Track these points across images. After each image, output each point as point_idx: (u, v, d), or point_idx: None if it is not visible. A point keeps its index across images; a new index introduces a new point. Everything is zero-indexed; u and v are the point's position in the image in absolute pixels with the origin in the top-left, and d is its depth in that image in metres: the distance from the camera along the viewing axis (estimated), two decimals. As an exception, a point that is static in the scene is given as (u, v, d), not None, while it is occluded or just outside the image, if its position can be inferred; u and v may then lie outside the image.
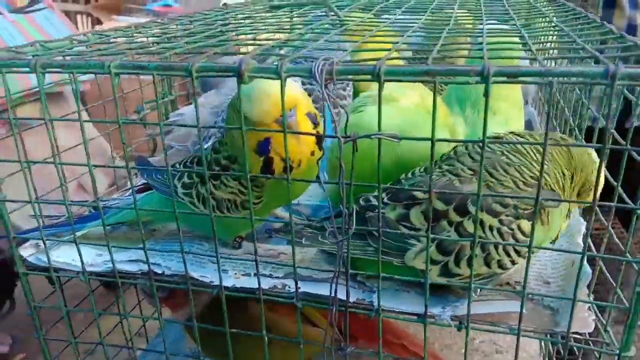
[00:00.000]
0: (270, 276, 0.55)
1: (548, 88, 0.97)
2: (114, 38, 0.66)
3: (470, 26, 1.07)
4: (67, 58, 0.58)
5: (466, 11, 1.06)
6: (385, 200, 0.56)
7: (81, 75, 1.58)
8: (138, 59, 0.48)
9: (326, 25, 0.69)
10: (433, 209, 0.52)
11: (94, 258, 0.59)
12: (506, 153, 0.53)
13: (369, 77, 0.42)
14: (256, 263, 0.49)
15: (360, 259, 0.55)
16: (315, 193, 0.78)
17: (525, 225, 0.50)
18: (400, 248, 0.53)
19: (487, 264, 0.51)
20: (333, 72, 0.43)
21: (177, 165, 0.64)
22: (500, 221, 0.50)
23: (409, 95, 0.66)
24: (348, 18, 0.79)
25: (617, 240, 0.53)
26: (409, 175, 0.58)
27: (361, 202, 0.58)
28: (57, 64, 0.49)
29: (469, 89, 0.71)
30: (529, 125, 1.03)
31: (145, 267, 0.54)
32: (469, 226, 0.50)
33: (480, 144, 0.42)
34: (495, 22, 0.75)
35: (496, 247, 0.50)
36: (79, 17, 3.79)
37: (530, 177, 0.51)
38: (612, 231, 0.53)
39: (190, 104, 0.84)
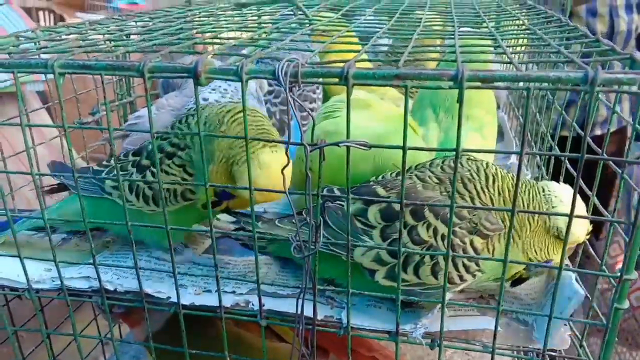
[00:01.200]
0: (233, 292, 0.51)
1: (519, 93, 0.96)
2: (65, 35, 0.62)
3: (440, 28, 1.06)
4: (11, 56, 0.54)
5: (436, 14, 1.05)
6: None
7: (38, 75, 1.51)
8: (87, 58, 0.44)
9: (293, 25, 0.65)
10: (390, 209, 0.50)
11: (42, 274, 0.55)
12: (470, 169, 0.51)
13: (336, 80, 0.39)
14: (217, 280, 0.46)
15: (329, 269, 0.52)
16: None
17: (478, 242, 0.48)
18: (352, 244, 0.50)
19: (434, 275, 0.49)
20: (298, 75, 0.40)
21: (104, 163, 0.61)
22: (454, 232, 0.48)
23: (383, 101, 0.63)
24: (316, 18, 0.77)
25: (592, 253, 0.51)
26: (379, 178, 0.56)
27: (325, 191, 0.56)
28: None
29: (443, 92, 0.69)
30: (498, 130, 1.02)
31: (96, 284, 0.50)
32: (422, 232, 0.48)
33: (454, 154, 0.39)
34: (466, 24, 0.73)
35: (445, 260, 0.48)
36: (40, 13, 3.67)
37: (487, 198, 0.49)
38: (587, 244, 0.52)
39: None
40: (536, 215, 0.49)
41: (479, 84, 0.38)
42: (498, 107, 1.00)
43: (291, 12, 0.73)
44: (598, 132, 1.63)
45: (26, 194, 0.95)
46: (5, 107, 1.40)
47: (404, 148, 0.40)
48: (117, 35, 0.58)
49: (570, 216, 0.39)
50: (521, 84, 0.37)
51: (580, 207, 0.48)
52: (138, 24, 0.69)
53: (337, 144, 0.41)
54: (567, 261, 0.55)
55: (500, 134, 1.01)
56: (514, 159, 0.85)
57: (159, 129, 0.77)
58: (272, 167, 0.51)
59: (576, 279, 0.50)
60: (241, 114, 0.54)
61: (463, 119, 0.54)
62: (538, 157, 0.79)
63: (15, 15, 1.65)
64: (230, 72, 0.41)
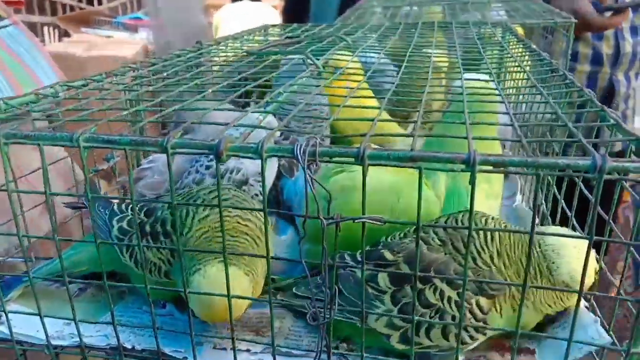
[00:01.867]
0: (247, 351, 0.53)
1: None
2: (83, 91, 0.64)
3: (445, 67, 1.08)
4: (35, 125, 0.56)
5: (443, 51, 1.07)
6: (358, 258, 0.55)
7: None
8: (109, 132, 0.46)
9: (304, 80, 0.67)
10: (399, 273, 0.52)
11: (60, 329, 0.56)
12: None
13: (352, 159, 0.41)
14: (232, 340, 0.47)
15: (344, 329, 0.54)
16: (289, 244, 0.76)
17: (484, 302, 0.49)
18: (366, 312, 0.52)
19: (445, 337, 0.50)
20: (316, 154, 0.42)
21: (123, 207, 0.62)
22: (459, 294, 0.49)
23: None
24: (331, 60, 0.79)
25: (610, 278, 0.52)
26: (389, 239, 0.57)
27: (336, 258, 0.57)
28: (21, 134, 0.46)
29: (450, 139, 0.70)
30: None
31: (114, 341, 0.51)
32: (430, 295, 0.50)
33: (466, 227, 0.41)
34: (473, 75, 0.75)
35: (454, 320, 0.49)
36: (45, 28, 3.70)
37: (487, 257, 0.51)
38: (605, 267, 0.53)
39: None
40: (539, 275, 0.50)
41: (490, 167, 0.39)
42: (503, 146, 1.02)
43: (302, 62, 0.75)
44: (602, 152, 1.67)
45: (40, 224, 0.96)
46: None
47: (417, 225, 0.42)
48: (135, 95, 0.60)
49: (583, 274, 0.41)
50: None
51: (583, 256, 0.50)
52: (152, 75, 0.71)
53: (353, 219, 0.42)
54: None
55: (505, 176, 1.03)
56: (518, 200, 0.87)
57: (175, 174, 0.79)
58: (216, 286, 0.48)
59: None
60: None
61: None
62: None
63: (23, 37, 1.67)
64: (251, 150, 0.43)
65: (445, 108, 0.82)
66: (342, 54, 0.87)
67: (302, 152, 0.42)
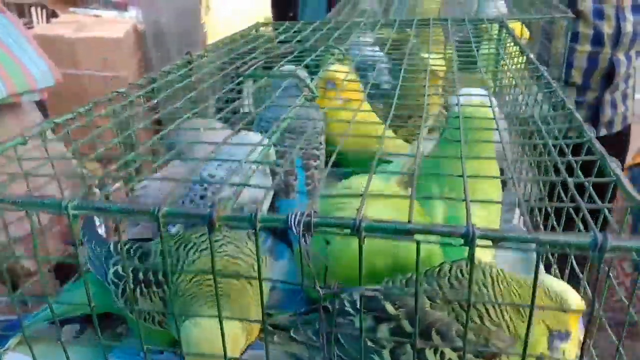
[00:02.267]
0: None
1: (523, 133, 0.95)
2: (72, 128, 0.63)
3: (442, 73, 1.06)
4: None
5: (439, 57, 1.05)
6: (358, 305, 0.55)
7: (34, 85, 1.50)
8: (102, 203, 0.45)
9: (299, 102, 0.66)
10: (400, 328, 0.51)
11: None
12: (479, 282, 0.52)
13: (348, 230, 0.40)
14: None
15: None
16: (286, 270, 0.76)
17: None
18: None
19: None
20: (311, 225, 0.41)
21: (119, 248, 0.61)
22: (460, 357, 0.48)
23: (394, 188, 0.64)
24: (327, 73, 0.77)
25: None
26: (390, 283, 0.56)
27: (336, 304, 0.57)
28: (8, 199, 0.45)
29: (447, 167, 0.70)
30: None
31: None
32: (430, 355, 0.49)
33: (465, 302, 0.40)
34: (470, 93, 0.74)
35: None
36: (33, 9, 3.62)
37: (496, 316, 0.50)
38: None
39: (157, 172, 0.80)
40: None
41: (489, 242, 0.39)
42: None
43: (295, 85, 0.73)
44: (604, 132, 1.66)
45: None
46: (3, 119, 1.41)
47: (416, 291, 0.41)
48: (127, 137, 0.59)
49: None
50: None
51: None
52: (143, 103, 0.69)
53: (351, 291, 0.42)
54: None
55: (503, 181, 1.02)
56: (516, 217, 0.86)
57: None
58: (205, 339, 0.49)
59: None
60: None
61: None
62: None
63: (10, 26, 1.63)
64: (244, 220, 0.41)
65: (443, 123, 0.80)
66: (335, 68, 0.86)
67: (296, 222, 0.41)
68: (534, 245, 0.38)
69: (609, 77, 1.60)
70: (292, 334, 0.56)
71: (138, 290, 0.55)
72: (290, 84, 0.74)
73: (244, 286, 0.55)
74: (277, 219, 0.41)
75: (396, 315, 0.51)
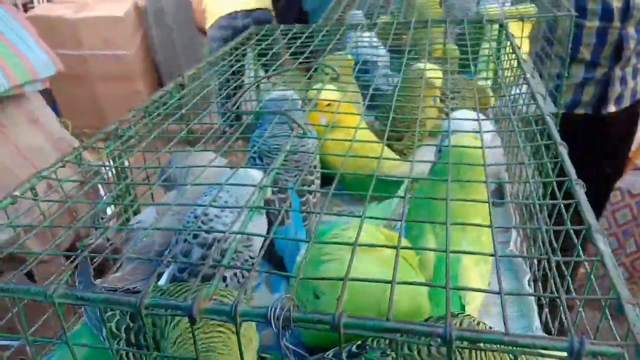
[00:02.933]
0: None
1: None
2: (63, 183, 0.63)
3: (439, 83, 1.04)
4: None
5: (436, 67, 1.03)
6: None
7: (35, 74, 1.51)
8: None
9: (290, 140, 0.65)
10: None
11: None
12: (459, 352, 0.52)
13: (327, 326, 0.40)
14: None
15: None
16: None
17: None
18: None
19: None
20: (290, 319, 0.41)
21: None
22: None
23: (383, 234, 0.64)
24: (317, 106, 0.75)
25: None
26: (373, 343, 0.57)
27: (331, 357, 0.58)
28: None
29: (438, 207, 0.69)
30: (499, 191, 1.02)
31: None
32: None
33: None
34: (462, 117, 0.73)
35: None
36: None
37: None
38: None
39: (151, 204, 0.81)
40: None
41: (466, 343, 0.39)
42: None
43: (285, 122, 0.72)
44: (612, 109, 1.64)
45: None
46: (8, 111, 1.42)
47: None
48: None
49: None
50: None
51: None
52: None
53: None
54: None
55: (500, 198, 1.01)
56: (512, 245, 0.86)
57: (162, 235, 0.78)
58: None
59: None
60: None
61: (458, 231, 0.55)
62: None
63: (8, 17, 1.62)
64: (224, 313, 0.42)
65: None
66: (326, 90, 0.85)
67: (275, 317, 0.41)
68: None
69: (619, 52, 1.55)
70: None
71: (131, 355, 0.56)
72: (280, 118, 0.73)
73: (228, 337, 0.56)
74: (258, 314, 0.42)
75: None
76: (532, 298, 0.73)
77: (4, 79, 1.40)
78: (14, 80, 1.44)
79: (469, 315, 0.57)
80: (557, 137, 0.61)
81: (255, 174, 0.72)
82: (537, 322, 0.68)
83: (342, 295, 0.42)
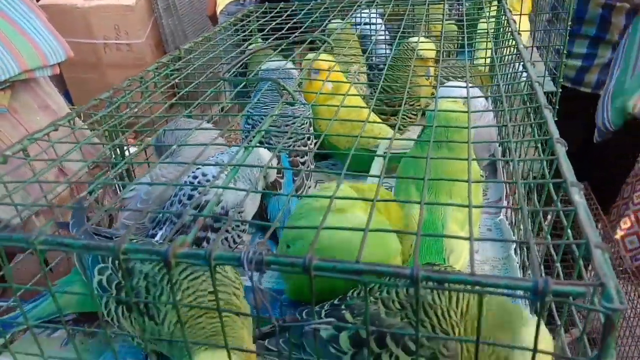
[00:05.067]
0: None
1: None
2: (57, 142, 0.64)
3: (432, 56, 1.04)
4: None
5: (429, 41, 1.03)
6: (323, 316, 0.57)
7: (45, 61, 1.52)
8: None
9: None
10: (358, 335, 0.53)
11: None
12: (434, 291, 0.53)
13: (299, 269, 0.41)
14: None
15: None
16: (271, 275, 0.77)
17: None
18: None
19: None
20: (262, 263, 0.42)
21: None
22: None
23: (356, 205, 0.64)
24: (305, 77, 0.75)
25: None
26: (354, 294, 0.58)
27: (303, 314, 0.59)
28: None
29: (424, 167, 0.69)
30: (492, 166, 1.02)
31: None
32: (385, 359, 0.51)
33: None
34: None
35: None
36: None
37: (447, 324, 0.51)
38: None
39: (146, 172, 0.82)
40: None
41: (433, 284, 0.39)
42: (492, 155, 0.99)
43: (274, 88, 0.72)
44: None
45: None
46: (19, 94, 1.44)
47: (366, 325, 0.42)
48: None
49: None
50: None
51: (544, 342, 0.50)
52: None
53: (308, 324, 0.43)
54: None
55: (494, 171, 1.01)
56: (502, 215, 0.85)
57: (157, 200, 0.79)
58: None
59: None
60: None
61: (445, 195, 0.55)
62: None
63: (21, 4, 1.63)
64: (200, 257, 0.43)
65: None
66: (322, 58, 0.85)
67: (248, 261, 0.42)
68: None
69: None
70: (266, 344, 0.59)
71: (120, 310, 0.57)
72: (272, 86, 0.73)
73: (232, 319, 0.57)
74: (232, 257, 0.42)
75: (354, 323, 0.53)
76: (517, 265, 0.73)
77: (15, 63, 1.42)
78: (24, 65, 1.45)
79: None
80: (543, 100, 0.61)
81: (264, 152, 0.74)
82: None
83: (314, 241, 0.43)
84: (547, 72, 1.18)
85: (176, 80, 0.78)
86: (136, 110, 0.71)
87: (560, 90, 1.16)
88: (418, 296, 0.39)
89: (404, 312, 0.52)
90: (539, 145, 0.61)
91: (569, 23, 1.12)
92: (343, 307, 0.56)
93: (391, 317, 0.52)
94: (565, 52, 1.15)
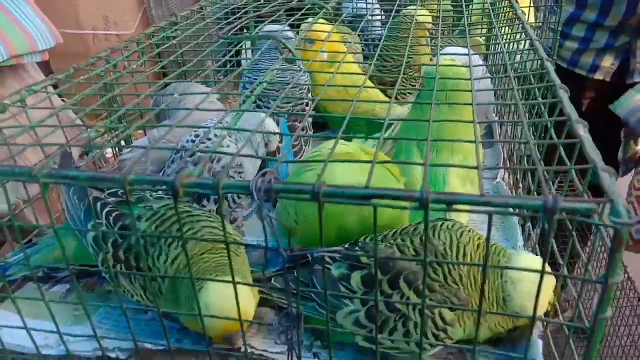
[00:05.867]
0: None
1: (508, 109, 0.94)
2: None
3: (430, 25, 1.05)
4: None
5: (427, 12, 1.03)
6: (337, 257, 0.57)
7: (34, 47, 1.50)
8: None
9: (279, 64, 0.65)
10: (371, 276, 0.53)
11: (49, 336, 0.59)
12: (445, 241, 0.54)
13: (308, 196, 0.41)
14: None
15: (317, 322, 0.56)
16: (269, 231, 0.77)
17: (447, 313, 0.51)
18: (335, 305, 0.55)
19: (407, 341, 0.52)
20: (271, 190, 0.42)
21: (98, 208, 0.59)
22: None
23: (361, 154, 0.65)
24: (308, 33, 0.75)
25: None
26: (367, 240, 0.59)
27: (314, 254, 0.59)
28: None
29: (426, 126, 0.70)
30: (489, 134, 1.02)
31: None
32: (397, 299, 0.52)
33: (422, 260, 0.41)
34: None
35: (415, 327, 0.51)
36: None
37: (456, 275, 0.52)
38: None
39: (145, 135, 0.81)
40: (495, 302, 0.52)
41: (443, 206, 0.39)
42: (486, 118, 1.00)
43: (274, 47, 0.72)
44: (638, 79, 1.59)
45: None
46: (6, 80, 1.42)
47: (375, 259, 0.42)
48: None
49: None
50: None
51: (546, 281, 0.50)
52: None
53: (311, 253, 0.43)
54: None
55: (490, 136, 1.02)
56: (500, 174, 0.86)
57: (156, 162, 0.79)
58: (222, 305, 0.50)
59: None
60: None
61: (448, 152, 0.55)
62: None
63: None
64: (208, 186, 0.43)
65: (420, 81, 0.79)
66: (315, 27, 0.85)
67: (257, 189, 0.42)
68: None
69: None
70: (272, 282, 0.59)
71: (118, 267, 0.56)
72: (271, 46, 0.73)
73: (235, 253, 0.57)
74: (240, 185, 0.42)
75: (367, 264, 0.54)
76: (517, 225, 0.73)
77: (3, 48, 1.39)
78: (12, 50, 1.42)
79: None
80: (556, 80, 0.60)
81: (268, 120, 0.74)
82: (520, 242, 0.69)
83: (322, 173, 0.43)
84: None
85: (174, 42, 0.78)
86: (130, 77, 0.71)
87: (556, 69, 1.16)
88: (427, 220, 0.40)
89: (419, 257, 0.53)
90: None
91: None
92: (357, 248, 0.57)
93: (405, 261, 0.53)
94: (559, 29, 1.16)
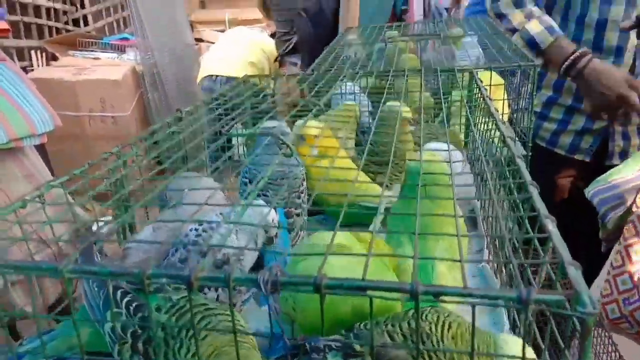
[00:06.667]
0: None
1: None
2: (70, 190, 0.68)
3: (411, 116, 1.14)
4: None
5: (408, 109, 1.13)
6: (333, 346, 0.60)
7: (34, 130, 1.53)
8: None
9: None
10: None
11: None
12: (430, 322, 0.58)
13: (310, 288, 0.46)
14: None
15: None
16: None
17: None
18: None
19: None
20: (277, 284, 0.46)
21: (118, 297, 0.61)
22: None
23: (356, 246, 0.70)
24: (302, 132, 0.83)
25: None
26: (361, 326, 0.62)
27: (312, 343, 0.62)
28: (10, 265, 0.50)
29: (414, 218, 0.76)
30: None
31: None
32: None
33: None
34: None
35: None
36: (33, 52, 3.71)
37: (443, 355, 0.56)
38: None
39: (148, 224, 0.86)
40: None
41: (431, 297, 0.44)
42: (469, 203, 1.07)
43: (272, 142, 0.79)
44: (618, 162, 1.55)
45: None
46: (5, 164, 1.45)
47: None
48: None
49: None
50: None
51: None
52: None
53: (312, 341, 0.47)
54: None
55: (473, 224, 1.08)
56: (485, 255, 0.92)
57: (159, 251, 0.83)
58: None
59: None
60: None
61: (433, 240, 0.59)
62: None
63: (11, 74, 1.68)
64: (219, 280, 0.47)
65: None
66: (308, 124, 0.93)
67: (265, 282, 0.46)
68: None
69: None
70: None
71: (136, 358, 0.58)
72: (271, 141, 0.80)
73: (247, 350, 0.59)
74: (249, 279, 0.47)
75: (361, 352, 0.57)
76: (503, 312, 0.77)
77: (2, 132, 1.43)
78: (12, 134, 1.44)
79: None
80: (527, 177, 0.66)
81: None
82: (507, 326, 0.73)
83: (322, 265, 0.48)
84: (516, 138, 1.27)
85: (181, 137, 0.85)
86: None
87: (535, 148, 1.22)
88: (418, 309, 0.44)
89: (406, 343, 0.56)
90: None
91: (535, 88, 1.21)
92: (351, 335, 0.60)
93: (395, 348, 0.56)
94: (532, 110, 1.23)
